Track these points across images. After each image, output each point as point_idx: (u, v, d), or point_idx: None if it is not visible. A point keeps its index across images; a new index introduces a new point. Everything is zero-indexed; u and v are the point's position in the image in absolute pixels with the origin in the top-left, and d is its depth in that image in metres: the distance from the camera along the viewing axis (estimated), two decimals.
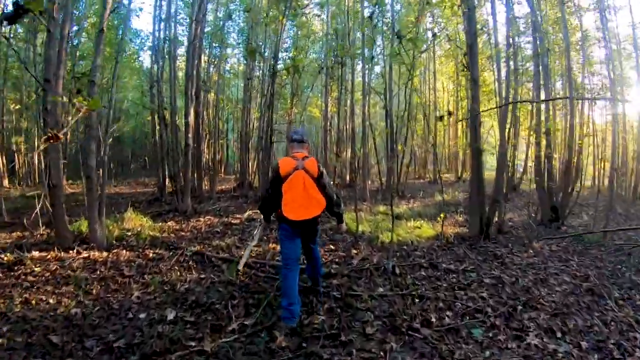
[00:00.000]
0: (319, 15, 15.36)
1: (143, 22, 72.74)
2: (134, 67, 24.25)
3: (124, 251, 6.53)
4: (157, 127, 13.65)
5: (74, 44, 15.58)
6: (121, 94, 24.73)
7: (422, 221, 9.59)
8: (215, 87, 15.34)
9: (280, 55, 13.25)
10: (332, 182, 4.64)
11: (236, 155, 17.93)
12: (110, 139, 21.36)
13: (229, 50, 20.20)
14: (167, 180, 12.86)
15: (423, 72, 22.54)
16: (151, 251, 6.58)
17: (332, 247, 6.95)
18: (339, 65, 14.68)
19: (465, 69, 8.56)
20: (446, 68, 24.57)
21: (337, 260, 6.28)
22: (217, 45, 16.30)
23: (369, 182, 17.34)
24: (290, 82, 15.65)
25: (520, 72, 11.94)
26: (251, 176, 14.95)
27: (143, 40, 22.09)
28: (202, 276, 5.46)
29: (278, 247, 6.50)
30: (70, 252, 6.26)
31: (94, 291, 4.84)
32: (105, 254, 6.30)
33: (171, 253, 6.49)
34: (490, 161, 24.34)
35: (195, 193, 13.06)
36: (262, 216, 4.69)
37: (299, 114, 18.56)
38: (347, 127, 16.70)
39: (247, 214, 9.61)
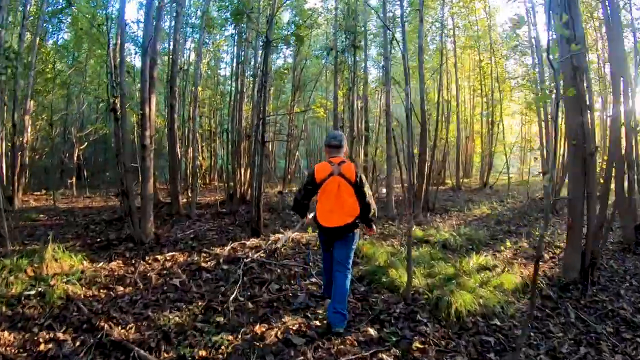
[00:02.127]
0: None
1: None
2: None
3: (6, 332, 3.69)
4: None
5: None
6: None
7: (486, 255, 6.58)
8: (194, 77, 12.22)
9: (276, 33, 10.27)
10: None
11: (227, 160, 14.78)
12: (86, 143, 18.65)
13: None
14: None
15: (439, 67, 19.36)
16: (51, 334, 3.68)
17: (372, 331, 3.81)
18: (351, 49, 11.67)
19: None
20: (465, 62, 21.68)
21: None
22: (198, 30, 13.20)
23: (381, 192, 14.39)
24: (291, 64, 12.72)
25: None
26: (243, 186, 11.90)
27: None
28: None
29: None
30: None
31: None
32: None
33: (78, 343, 3.53)
34: (497, 164, 21.59)
35: (171, 209, 10.09)
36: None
37: (302, 113, 15.62)
38: (360, 125, 13.66)
39: (229, 247, 6.54)
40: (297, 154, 17.16)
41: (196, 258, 6.08)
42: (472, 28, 19.03)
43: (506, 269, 5.74)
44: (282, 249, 6.38)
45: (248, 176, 11.57)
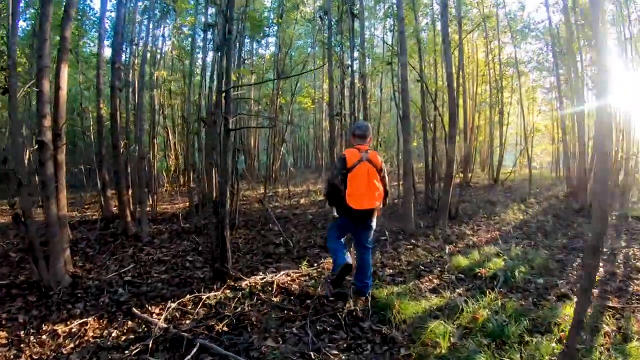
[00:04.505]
0: None
1: None
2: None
3: None
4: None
5: None
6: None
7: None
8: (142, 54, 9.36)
9: None
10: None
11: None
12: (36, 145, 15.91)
13: None
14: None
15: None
16: None
17: None
18: (349, 16, 9.18)
19: None
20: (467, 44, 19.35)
21: None
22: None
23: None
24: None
25: None
26: (215, 190, 9.33)
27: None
28: None
29: None
30: None
31: None
32: None
33: None
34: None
35: (115, 226, 7.62)
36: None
37: (286, 103, 13.13)
38: (358, 113, 11.14)
39: (173, 306, 3.99)
40: (282, 149, 14.59)
41: (115, 333, 3.56)
42: (477, 7, 16.76)
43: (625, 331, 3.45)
44: (262, 309, 3.88)
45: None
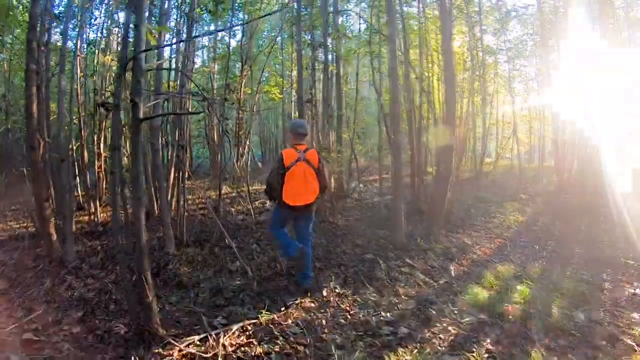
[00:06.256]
0: None
1: None
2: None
3: None
4: None
5: None
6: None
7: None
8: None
9: None
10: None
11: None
12: None
13: None
14: None
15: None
16: None
17: None
18: None
19: None
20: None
21: None
22: None
23: (360, 189, 10.54)
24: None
25: None
26: (172, 198, 7.59)
27: None
28: None
29: None
30: None
31: None
32: None
33: None
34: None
35: (39, 242, 6.02)
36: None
37: (251, 93, 11.67)
38: (332, 100, 9.67)
39: None
40: (248, 142, 13.02)
41: None
42: None
43: None
44: None
45: (171, 178, 7.34)
